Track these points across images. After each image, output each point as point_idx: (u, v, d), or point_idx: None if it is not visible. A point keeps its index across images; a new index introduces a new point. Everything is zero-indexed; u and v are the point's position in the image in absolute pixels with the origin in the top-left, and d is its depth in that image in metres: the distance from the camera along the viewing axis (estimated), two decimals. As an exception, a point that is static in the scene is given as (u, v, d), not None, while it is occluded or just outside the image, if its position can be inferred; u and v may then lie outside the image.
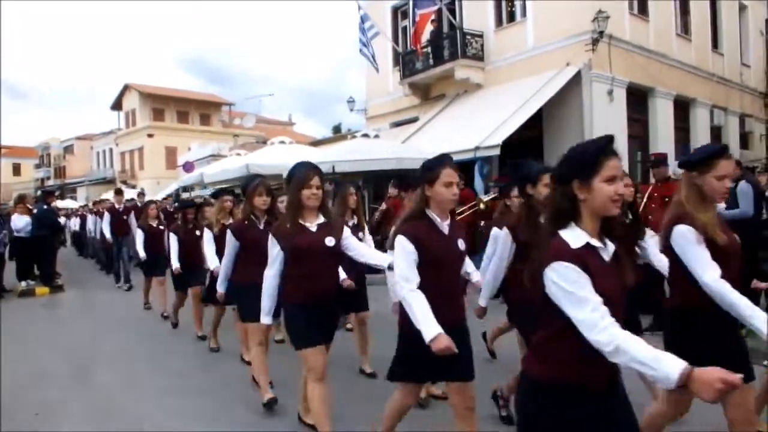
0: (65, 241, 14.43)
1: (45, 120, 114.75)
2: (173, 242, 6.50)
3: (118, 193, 11.91)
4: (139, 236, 8.14)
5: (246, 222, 4.29)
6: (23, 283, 10.56)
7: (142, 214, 8.88)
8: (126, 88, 44.77)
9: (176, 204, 14.26)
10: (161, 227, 8.34)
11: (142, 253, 7.93)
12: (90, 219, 15.35)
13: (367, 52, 15.80)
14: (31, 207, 11.70)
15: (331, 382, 3.38)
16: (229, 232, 4.32)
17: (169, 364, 5.55)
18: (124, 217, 10.95)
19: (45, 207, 11.11)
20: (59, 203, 24.41)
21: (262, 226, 4.22)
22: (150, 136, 41.97)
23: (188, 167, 20.63)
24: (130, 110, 44.89)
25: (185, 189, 18.21)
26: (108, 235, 10.87)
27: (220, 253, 4.92)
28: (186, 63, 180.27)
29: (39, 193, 30.52)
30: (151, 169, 41.00)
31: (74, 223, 19.58)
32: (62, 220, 17.34)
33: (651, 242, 4.09)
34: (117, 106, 46.47)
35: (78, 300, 9.96)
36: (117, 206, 11.18)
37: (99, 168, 49.72)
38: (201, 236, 5.85)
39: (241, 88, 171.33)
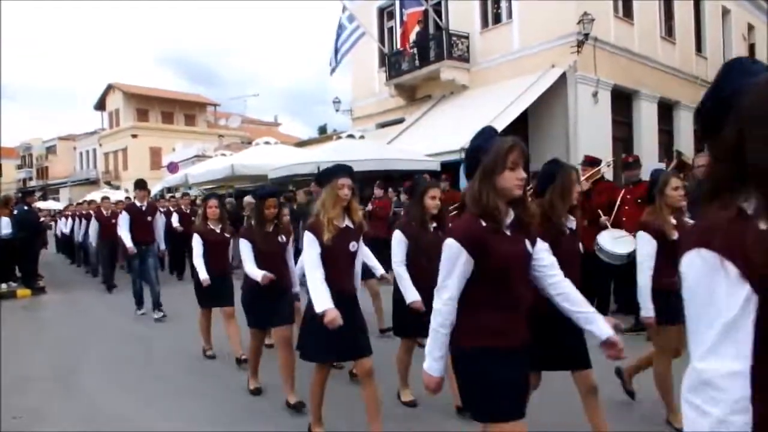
0: (47, 243, 13.86)
1: (26, 120, 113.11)
2: (248, 253, 4.40)
3: (142, 186, 8.64)
4: (197, 247, 5.50)
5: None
6: (4, 285, 10.38)
7: (197, 215, 7.33)
8: (110, 87, 44.36)
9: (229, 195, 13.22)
10: (226, 234, 5.88)
11: (204, 275, 5.35)
12: (87, 223, 12.84)
13: (334, 54, 15.54)
14: (11, 208, 11.52)
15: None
16: (316, 239, 3.36)
17: (154, 366, 5.49)
18: (149, 218, 8.19)
19: (26, 208, 10.94)
20: (41, 204, 24.04)
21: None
22: (134, 136, 41.61)
23: (173, 168, 20.46)
24: (113, 110, 44.49)
25: (169, 190, 18.06)
26: (129, 243, 7.82)
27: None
28: (168, 62, 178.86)
29: (19, 194, 30.06)
30: (135, 170, 40.54)
31: (64, 225, 16.60)
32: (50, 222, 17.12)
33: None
34: (100, 106, 46.02)
35: (60, 302, 9.81)
36: (139, 204, 8.34)
37: (82, 169, 49.23)
38: (284, 244, 4.55)
39: (226, 88, 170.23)
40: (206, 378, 5.02)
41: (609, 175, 11.78)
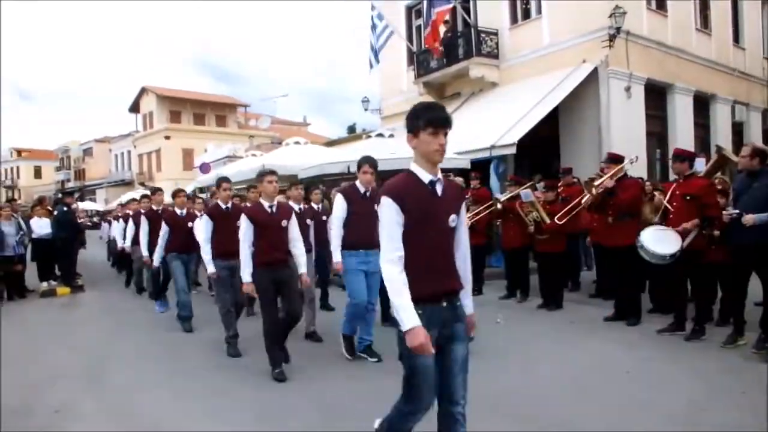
0: (85, 243, 13.97)
1: (64, 123, 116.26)
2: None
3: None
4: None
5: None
6: (44, 284, 10.70)
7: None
8: (143, 90, 45.30)
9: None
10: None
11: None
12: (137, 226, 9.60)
13: (373, 52, 15.71)
14: (51, 209, 11.87)
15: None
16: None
17: (185, 365, 5.56)
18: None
19: (65, 209, 11.24)
20: (80, 205, 24.66)
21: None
22: (167, 137, 42.40)
23: (205, 168, 20.76)
24: (147, 112, 45.41)
25: (201, 190, 18.33)
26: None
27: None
28: (198, 65, 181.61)
29: (59, 195, 30.92)
30: (168, 171, 41.37)
31: (116, 229, 12.58)
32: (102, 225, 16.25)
33: None
34: (135, 108, 47.01)
35: (98, 300, 10.05)
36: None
37: (117, 170, 50.36)
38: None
39: (255, 89, 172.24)
40: (239, 378, 5.06)
41: (643, 170, 11.63)
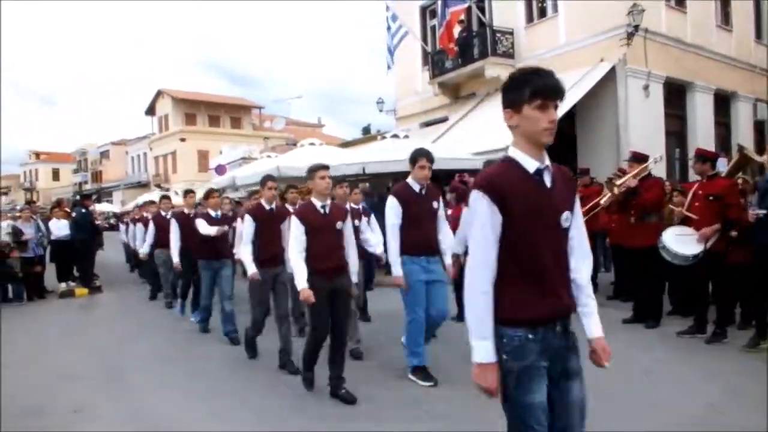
0: (103, 244, 14.01)
1: (82, 126, 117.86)
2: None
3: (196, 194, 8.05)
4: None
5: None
6: (63, 285, 10.81)
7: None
8: (159, 93, 45.70)
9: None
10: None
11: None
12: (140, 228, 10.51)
13: (390, 53, 15.76)
14: (69, 211, 11.99)
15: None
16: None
17: (202, 367, 5.55)
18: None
19: (83, 211, 11.35)
20: (97, 207, 24.89)
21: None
22: (182, 140, 42.74)
23: (220, 170, 20.87)
24: (163, 115, 45.81)
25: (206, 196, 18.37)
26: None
27: None
28: (213, 68, 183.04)
29: (77, 197, 31.23)
30: (184, 173, 41.69)
31: (131, 233, 12.25)
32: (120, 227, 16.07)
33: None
34: (150, 111, 47.46)
35: (115, 301, 10.13)
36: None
37: (134, 172, 50.86)
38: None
39: (270, 91, 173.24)
40: (255, 381, 5.04)
41: (662, 170, 11.46)
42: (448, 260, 4.77)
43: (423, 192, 4.59)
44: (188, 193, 8.32)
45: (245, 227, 5.36)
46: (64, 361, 5.93)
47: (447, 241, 4.76)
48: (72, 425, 4.07)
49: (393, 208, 4.54)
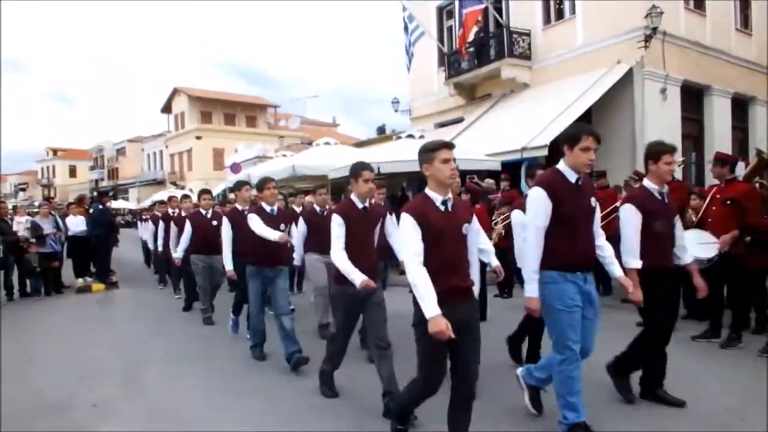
0: (118, 241, 13.89)
1: (99, 123, 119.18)
2: None
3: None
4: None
5: None
6: (80, 280, 10.95)
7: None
8: (175, 91, 46.07)
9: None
10: None
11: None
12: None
13: (407, 53, 15.82)
14: (87, 207, 12.15)
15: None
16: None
17: (218, 364, 5.58)
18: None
19: (100, 207, 11.50)
20: (113, 203, 25.16)
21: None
22: (198, 138, 43.05)
23: (235, 168, 21.01)
24: (179, 113, 46.17)
25: (231, 189, 18.54)
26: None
27: None
28: (229, 67, 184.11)
29: (94, 194, 31.62)
30: (199, 171, 42.00)
31: (155, 232, 10.85)
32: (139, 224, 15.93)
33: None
34: (167, 109, 47.85)
35: (131, 297, 10.25)
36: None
37: (150, 169, 51.32)
38: None
39: (285, 90, 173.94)
40: (272, 378, 5.08)
41: (678, 174, 11.36)
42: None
43: (578, 182, 3.49)
44: (204, 193, 8.04)
45: (333, 228, 4.15)
46: (82, 356, 6.01)
47: None
48: (90, 422, 4.11)
49: (541, 203, 3.38)
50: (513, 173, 10.27)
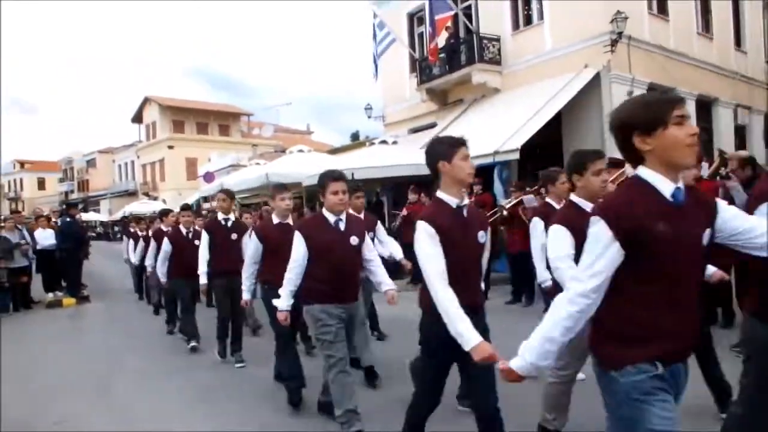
0: (89, 254, 13.39)
1: (67, 134, 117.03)
2: None
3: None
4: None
5: None
6: (50, 295, 10.74)
7: None
8: (146, 100, 45.52)
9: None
10: None
11: None
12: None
13: (375, 61, 15.84)
14: (54, 220, 11.93)
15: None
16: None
17: (190, 377, 5.54)
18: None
19: (69, 220, 11.29)
20: (82, 216, 24.69)
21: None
22: (170, 147, 42.58)
23: (209, 178, 20.84)
24: (150, 123, 45.62)
25: (206, 199, 18.38)
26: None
27: None
28: (200, 74, 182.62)
29: (63, 206, 30.96)
30: (172, 181, 41.52)
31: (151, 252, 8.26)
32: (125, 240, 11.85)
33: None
34: (137, 118, 47.23)
35: (103, 311, 10.08)
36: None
37: (121, 180, 50.53)
38: None
39: (258, 98, 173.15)
40: (246, 390, 5.05)
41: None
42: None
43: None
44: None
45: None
46: (51, 371, 5.90)
47: None
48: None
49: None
50: (485, 177, 10.37)
